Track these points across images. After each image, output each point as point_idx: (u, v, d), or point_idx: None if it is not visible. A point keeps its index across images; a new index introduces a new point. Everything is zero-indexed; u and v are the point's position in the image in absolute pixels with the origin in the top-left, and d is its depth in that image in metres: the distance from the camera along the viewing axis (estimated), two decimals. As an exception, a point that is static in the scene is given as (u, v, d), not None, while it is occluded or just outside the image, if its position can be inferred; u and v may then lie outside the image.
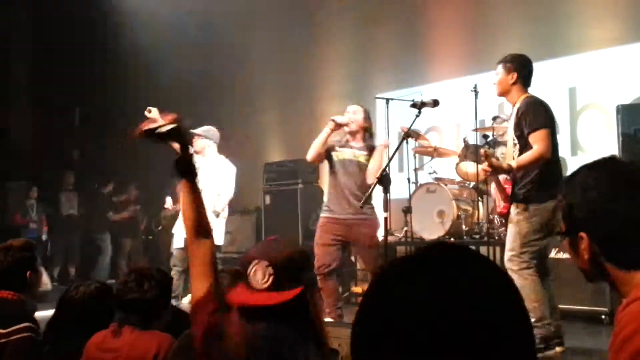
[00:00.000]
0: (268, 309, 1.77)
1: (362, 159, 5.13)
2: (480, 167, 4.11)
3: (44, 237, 9.89)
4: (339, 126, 5.14)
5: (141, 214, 10.63)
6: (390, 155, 4.77)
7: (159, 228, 9.87)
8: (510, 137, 4.26)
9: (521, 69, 4.27)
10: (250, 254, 1.89)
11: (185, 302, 6.71)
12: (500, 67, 4.31)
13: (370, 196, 4.63)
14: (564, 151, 7.07)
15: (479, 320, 0.76)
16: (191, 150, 5.90)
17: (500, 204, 4.34)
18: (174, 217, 7.05)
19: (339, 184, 5.17)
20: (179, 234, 6.19)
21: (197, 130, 6.21)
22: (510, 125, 4.26)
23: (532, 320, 4.10)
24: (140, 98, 10.61)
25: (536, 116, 4.11)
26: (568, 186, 1.49)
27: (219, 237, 6.07)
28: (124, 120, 10.96)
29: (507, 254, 4.18)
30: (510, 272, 4.13)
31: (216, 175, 6.18)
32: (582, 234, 1.42)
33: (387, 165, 4.61)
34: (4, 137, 11.12)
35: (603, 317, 5.04)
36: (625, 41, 6.76)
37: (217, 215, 6.21)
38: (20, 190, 10.56)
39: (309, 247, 7.28)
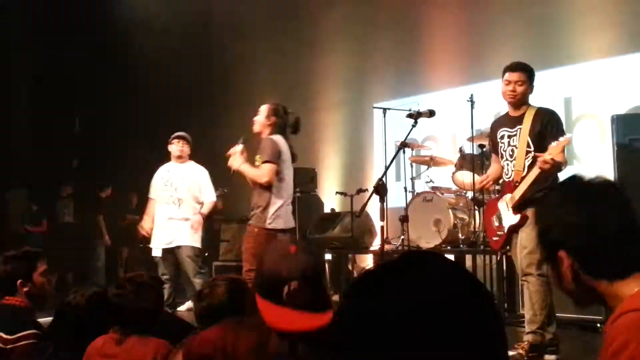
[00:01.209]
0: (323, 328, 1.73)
1: (258, 160, 5.06)
2: (544, 156, 3.95)
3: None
4: (242, 152, 5.08)
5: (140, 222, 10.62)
6: (387, 164, 4.79)
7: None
8: (522, 143, 4.22)
9: (534, 83, 4.32)
10: (282, 273, 1.79)
11: (184, 309, 6.75)
12: (524, 76, 4.23)
13: (364, 206, 4.63)
14: (559, 161, 7.12)
15: (445, 324, 0.79)
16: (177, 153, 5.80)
17: (512, 215, 4.25)
18: None
19: None
20: (156, 237, 6.26)
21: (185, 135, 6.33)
22: (523, 133, 4.23)
23: (534, 327, 4.09)
24: (140, 105, 10.68)
25: (560, 127, 4.21)
26: (540, 211, 1.53)
27: (198, 239, 6.25)
28: (125, 127, 11.03)
29: (527, 258, 4.11)
30: (528, 278, 4.12)
31: (198, 183, 6.32)
32: (561, 254, 1.44)
33: (384, 174, 4.63)
34: (4, 144, 11.15)
35: (598, 325, 5.05)
36: (620, 52, 6.82)
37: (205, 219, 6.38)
38: (20, 198, 10.58)
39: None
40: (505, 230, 4.32)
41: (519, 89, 4.23)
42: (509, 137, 4.34)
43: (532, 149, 4.19)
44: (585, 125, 7.15)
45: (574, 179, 1.52)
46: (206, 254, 9.01)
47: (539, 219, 1.53)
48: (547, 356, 4.15)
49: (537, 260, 4.07)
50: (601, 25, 6.99)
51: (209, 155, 10.16)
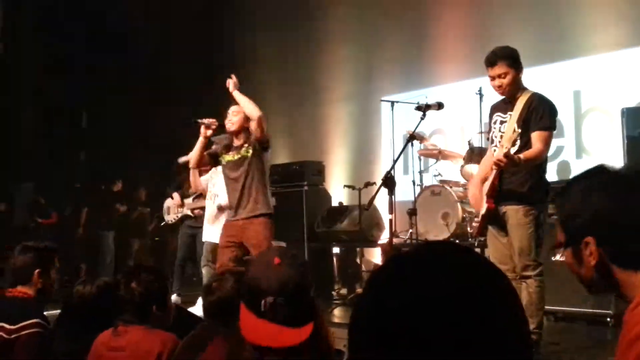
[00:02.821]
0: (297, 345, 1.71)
1: (244, 153, 5.17)
2: (496, 155, 3.87)
3: None
4: (208, 128, 5.16)
5: (150, 215, 10.66)
6: (395, 157, 4.76)
7: (162, 224, 9.82)
8: (509, 130, 4.05)
9: (520, 61, 4.12)
10: (261, 286, 1.74)
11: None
12: (505, 67, 4.03)
13: (372, 199, 4.63)
14: (568, 154, 7.09)
15: (469, 321, 0.78)
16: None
17: (484, 202, 4.12)
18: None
19: (229, 187, 5.31)
20: (210, 228, 6.35)
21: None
22: (512, 119, 4.07)
23: (531, 327, 3.94)
24: (146, 101, 10.69)
25: (547, 116, 4.01)
26: (565, 196, 1.49)
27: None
28: (131, 122, 11.05)
29: (520, 260, 4.01)
30: (527, 280, 4.01)
31: None
32: (589, 239, 1.41)
33: (392, 167, 4.61)
34: (12, 138, 11.19)
35: (608, 319, 5.03)
36: (630, 44, 6.76)
37: None
38: (27, 192, 10.63)
39: (312, 249, 7.33)
40: (480, 218, 4.21)
41: (505, 81, 4.06)
42: (501, 122, 4.20)
43: (518, 138, 4.00)
44: (594, 118, 7.11)
45: (605, 168, 1.49)
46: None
47: (564, 202, 1.49)
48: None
49: (532, 259, 4.00)
50: (611, 17, 6.94)
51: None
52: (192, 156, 5.34)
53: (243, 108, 5.08)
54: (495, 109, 4.33)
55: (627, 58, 6.78)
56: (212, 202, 6.42)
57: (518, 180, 4.05)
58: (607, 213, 1.40)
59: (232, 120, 5.19)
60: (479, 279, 0.83)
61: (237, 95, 5.09)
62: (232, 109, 5.24)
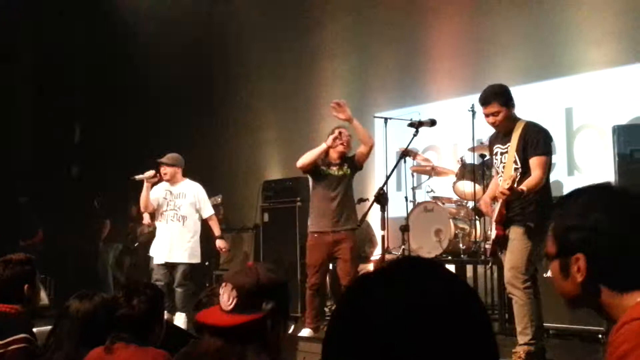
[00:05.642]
0: (227, 329, 1.91)
1: (344, 171, 5.61)
2: (500, 188, 4.11)
3: None
4: (336, 139, 5.55)
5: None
6: (388, 174, 4.80)
7: (136, 245, 9.84)
8: (510, 160, 4.30)
9: (512, 96, 4.36)
10: (225, 277, 2.06)
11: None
12: (497, 106, 4.28)
13: (365, 215, 4.69)
14: (560, 172, 7.11)
15: (440, 334, 0.79)
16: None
17: (494, 229, 4.40)
18: (152, 234, 7.14)
19: (323, 200, 5.59)
20: (158, 250, 6.51)
21: (166, 160, 6.55)
22: (510, 150, 4.32)
23: (527, 339, 4.12)
24: (140, 116, 10.68)
25: (542, 143, 4.26)
26: (564, 208, 1.47)
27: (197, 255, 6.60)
28: (125, 137, 11.03)
29: (511, 272, 4.21)
30: (512, 289, 4.21)
31: (197, 199, 6.64)
32: (579, 255, 1.41)
33: (385, 183, 4.64)
34: (5, 152, 11.14)
35: (600, 336, 5.03)
36: (622, 62, 6.81)
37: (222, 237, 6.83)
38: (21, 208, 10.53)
39: (304, 265, 7.29)
40: (491, 242, 4.49)
41: (498, 119, 4.33)
42: (501, 154, 4.43)
43: (519, 165, 4.28)
44: (586, 135, 7.14)
45: (610, 186, 1.50)
46: (206, 263, 8.98)
47: (562, 214, 1.47)
48: None
49: (521, 274, 4.17)
50: (602, 36, 6.99)
51: (208, 165, 10.15)
52: (310, 157, 5.61)
53: (361, 133, 5.57)
54: (494, 140, 4.56)
55: (619, 76, 6.82)
56: (182, 225, 6.50)
57: (522, 204, 4.27)
58: (605, 232, 1.39)
59: (347, 141, 5.66)
60: (451, 293, 0.85)
61: (356, 123, 5.57)
62: (344, 131, 5.68)
